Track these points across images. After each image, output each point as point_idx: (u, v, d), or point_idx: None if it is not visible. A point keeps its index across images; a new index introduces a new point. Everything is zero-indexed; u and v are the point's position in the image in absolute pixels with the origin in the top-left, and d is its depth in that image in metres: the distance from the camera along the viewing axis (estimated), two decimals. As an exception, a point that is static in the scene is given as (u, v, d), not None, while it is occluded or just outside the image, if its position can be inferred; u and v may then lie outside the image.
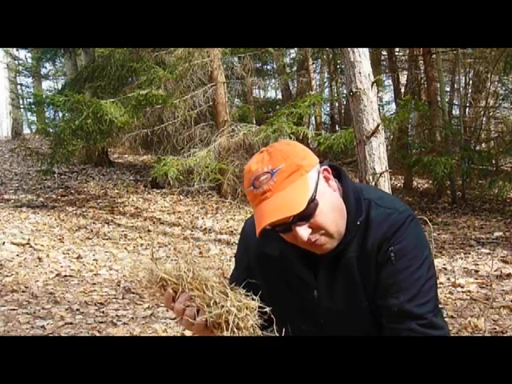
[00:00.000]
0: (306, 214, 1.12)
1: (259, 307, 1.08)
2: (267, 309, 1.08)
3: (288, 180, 1.11)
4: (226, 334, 1.06)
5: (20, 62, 17.17)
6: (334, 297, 1.23)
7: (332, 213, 1.16)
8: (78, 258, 5.47)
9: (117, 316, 3.74)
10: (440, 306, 1.24)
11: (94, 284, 4.58)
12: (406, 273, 1.15)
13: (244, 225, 1.42)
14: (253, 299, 1.08)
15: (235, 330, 1.06)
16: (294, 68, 14.23)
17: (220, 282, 1.10)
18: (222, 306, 1.05)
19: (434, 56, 9.34)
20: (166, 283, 1.12)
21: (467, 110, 11.36)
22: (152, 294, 1.16)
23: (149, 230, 6.95)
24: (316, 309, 1.25)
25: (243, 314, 1.06)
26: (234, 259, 1.44)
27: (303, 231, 1.12)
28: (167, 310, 3.85)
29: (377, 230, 1.19)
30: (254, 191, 1.14)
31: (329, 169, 1.20)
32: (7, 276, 4.64)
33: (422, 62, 10.06)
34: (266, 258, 1.29)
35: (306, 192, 1.12)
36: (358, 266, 1.20)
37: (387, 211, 1.20)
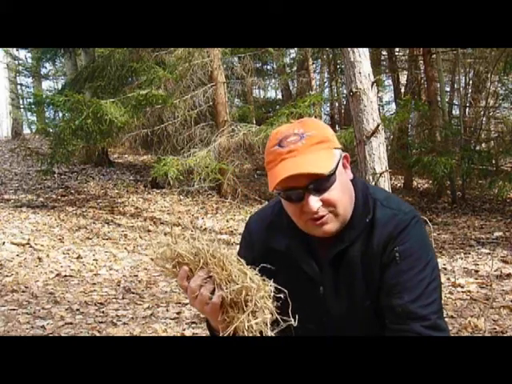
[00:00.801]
0: (324, 185, 1.13)
1: (274, 292, 1.05)
2: (281, 294, 1.05)
3: (316, 146, 1.14)
4: (241, 315, 1.03)
5: (20, 61, 17.18)
6: (338, 295, 1.23)
7: (344, 195, 1.18)
8: (78, 258, 5.47)
9: (117, 316, 3.74)
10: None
11: (94, 284, 4.58)
12: (411, 273, 1.15)
13: (248, 221, 1.41)
14: (267, 284, 1.06)
15: (253, 309, 1.02)
16: (294, 68, 14.24)
17: (238, 260, 1.06)
18: (242, 283, 1.02)
19: (434, 56, 9.34)
20: (183, 260, 1.08)
21: (467, 110, 11.37)
22: (166, 270, 1.12)
23: (149, 230, 6.95)
24: (320, 306, 1.25)
25: (262, 294, 1.03)
26: None
27: (314, 202, 1.13)
28: (170, 307, 3.85)
29: (382, 231, 1.19)
30: (278, 149, 1.15)
31: (349, 157, 1.23)
32: (7, 276, 4.64)
33: (422, 62, 10.06)
34: (272, 254, 1.28)
35: (331, 162, 1.14)
36: (362, 266, 1.20)
37: (393, 212, 1.21)
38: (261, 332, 1.03)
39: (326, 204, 1.14)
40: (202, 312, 1.11)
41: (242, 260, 1.07)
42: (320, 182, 1.13)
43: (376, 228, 1.20)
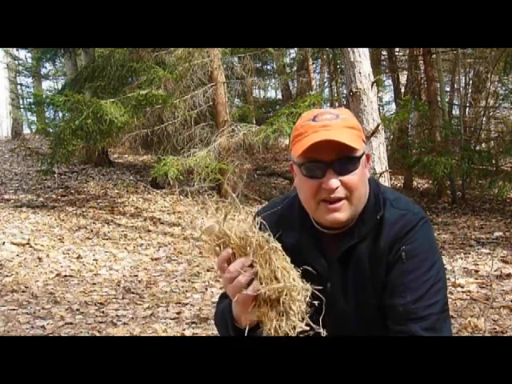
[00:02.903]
0: (348, 166, 1.14)
1: (310, 297, 1.02)
2: (316, 302, 1.03)
3: (350, 130, 1.15)
4: (272, 313, 1.01)
5: (20, 61, 17.17)
6: (346, 292, 1.24)
7: (362, 187, 1.19)
8: (78, 258, 5.47)
9: (117, 316, 3.74)
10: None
11: (94, 284, 4.58)
12: (415, 274, 1.16)
13: (255, 215, 1.39)
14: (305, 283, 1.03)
15: (287, 310, 1.00)
16: (294, 68, 14.24)
17: (284, 257, 1.04)
18: (285, 282, 1.00)
19: (434, 56, 9.34)
20: (229, 241, 1.04)
21: (467, 109, 11.37)
22: (209, 247, 1.07)
23: (149, 230, 6.94)
24: (327, 303, 1.25)
25: (299, 297, 1.01)
26: None
27: (335, 180, 1.13)
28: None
29: (390, 230, 1.20)
30: (311, 123, 1.16)
31: (369, 157, 1.25)
32: (7, 276, 4.64)
33: (422, 62, 10.06)
34: (282, 248, 1.28)
35: (360, 146, 1.16)
36: (369, 264, 1.21)
37: (401, 212, 1.22)
38: (286, 334, 1.01)
39: (345, 186, 1.15)
40: (232, 298, 1.08)
41: (287, 257, 1.04)
42: (345, 161, 1.14)
43: (384, 227, 1.20)
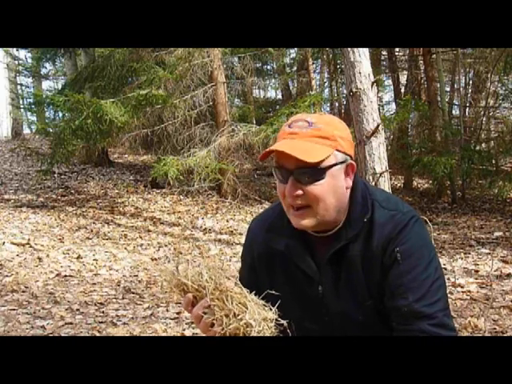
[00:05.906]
0: (307, 176, 1.15)
1: (276, 319, 1.09)
2: (284, 322, 1.08)
3: (317, 139, 1.15)
4: None
5: (20, 61, 17.15)
6: (338, 294, 1.23)
7: (330, 197, 1.17)
8: (78, 258, 5.47)
9: (117, 316, 3.74)
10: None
11: (94, 284, 4.58)
12: (414, 273, 1.15)
13: (250, 224, 1.43)
14: (270, 309, 1.09)
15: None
16: (294, 68, 14.24)
17: (241, 292, 1.10)
18: (241, 320, 1.06)
19: (434, 56, 9.34)
20: (187, 288, 1.14)
21: (467, 109, 11.37)
22: (173, 294, 1.18)
23: (149, 230, 6.94)
24: (320, 306, 1.26)
25: (260, 328, 1.06)
26: (235, 259, 1.46)
27: (294, 189, 1.15)
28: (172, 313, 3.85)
29: (381, 231, 1.19)
30: (286, 129, 1.19)
31: (355, 168, 1.23)
32: (7, 276, 4.63)
33: (422, 62, 10.06)
34: (272, 254, 1.30)
35: (322, 157, 1.14)
36: (363, 265, 1.21)
37: (391, 213, 1.21)
38: None
39: (306, 196, 1.16)
40: (204, 334, 1.15)
41: (244, 290, 1.11)
42: (305, 172, 1.14)
43: (375, 229, 1.20)
